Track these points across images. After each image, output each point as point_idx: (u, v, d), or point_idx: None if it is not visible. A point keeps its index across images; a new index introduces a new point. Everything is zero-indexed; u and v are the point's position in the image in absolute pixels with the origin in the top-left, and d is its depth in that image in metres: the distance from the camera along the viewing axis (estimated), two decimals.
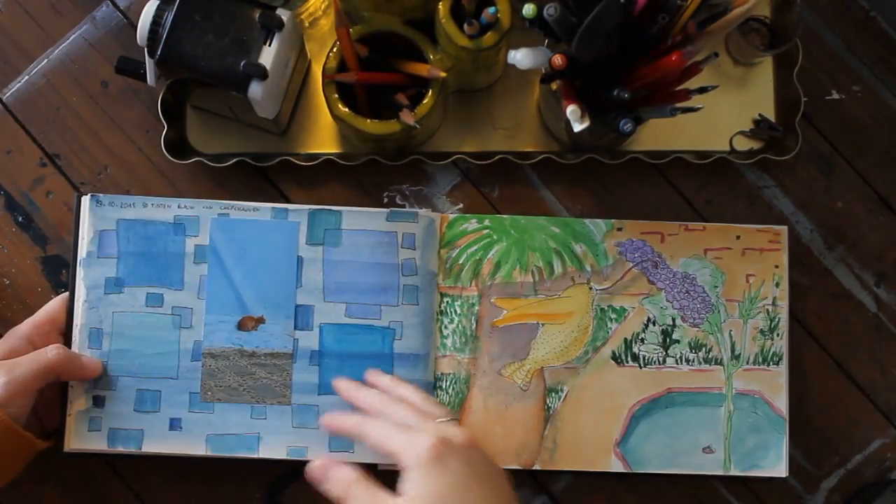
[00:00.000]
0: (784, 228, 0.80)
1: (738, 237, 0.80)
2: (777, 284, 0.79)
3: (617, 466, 0.77)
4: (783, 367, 0.79)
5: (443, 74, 0.75)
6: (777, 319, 0.79)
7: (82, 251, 0.76)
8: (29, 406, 0.70)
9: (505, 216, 0.80)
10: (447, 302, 0.78)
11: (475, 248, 0.79)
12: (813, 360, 0.81)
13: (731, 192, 0.82)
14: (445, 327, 0.78)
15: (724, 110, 0.83)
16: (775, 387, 0.78)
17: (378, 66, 0.78)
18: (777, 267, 0.80)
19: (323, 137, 0.83)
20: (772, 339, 0.79)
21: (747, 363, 0.79)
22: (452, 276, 0.79)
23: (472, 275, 0.79)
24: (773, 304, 0.79)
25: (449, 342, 0.78)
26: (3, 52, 0.84)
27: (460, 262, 0.79)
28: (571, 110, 0.69)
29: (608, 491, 0.79)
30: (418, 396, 0.70)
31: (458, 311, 0.78)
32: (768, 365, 0.78)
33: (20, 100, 0.82)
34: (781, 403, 0.78)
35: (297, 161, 0.80)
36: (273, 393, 0.75)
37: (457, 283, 0.79)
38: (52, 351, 0.71)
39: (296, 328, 0.76)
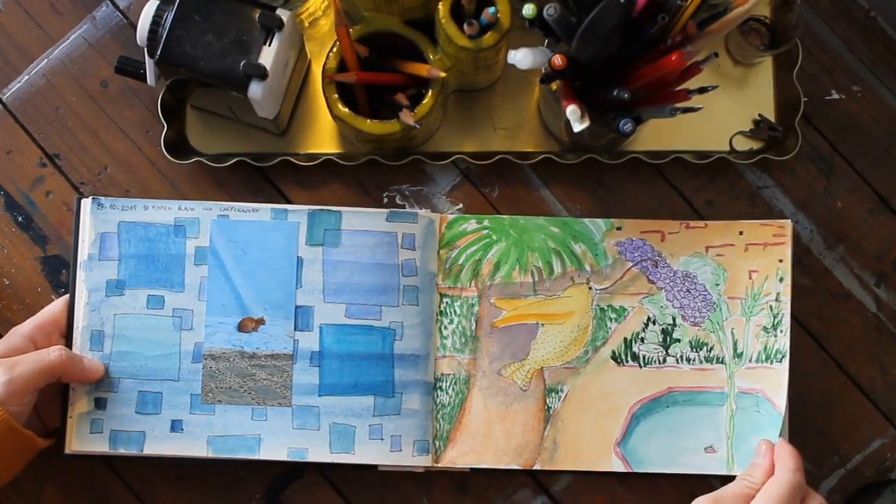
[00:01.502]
0: (788, 222, 0.79)
1: (740, 233, 0.79)
2: (781, 279, 0.79)
3: (618, 466, 0.77)
4: (786, 364, 0.78)
5: (443, 74, 0.75)
6: (780, 316, 0.79)
7: (83, 253, 0.76)
8: (30, 405, 0.70)
9: (504, 216, 0.80)
10: (447, 302, 0.78)
11: (474, 248, 0.79)
12: (813, 360, 0.81)
13: (731, 193, 0.82)
14: (445, 328, 0.78)
15: (724, 110, 0.83)
16: (778, 385, 0.77)
17: (378, 66, 0.78)
18: (781, 261, 0.79)
19: (323, 137, 0.83)
20: (775, 335, 0.78)
21: (750, 361, 0.78)
22: (452, 276, 0.79)
23: (471, 275, 0.79)
24: (777, 299, 0.79)
25: (449, 343, 0.78)
26: (3, 52, 0.84)
27: (460, 262, 0.79)
28: (571, 110, 0.69)
29: (608, 491, 0.79)
30: None
31: (458, 311, 0.78)
32: (771, 362, 0.78)
33: (20, 100, 0.82)
34: (783, 401, 0.77)
35: (297, 161, 0.80)
36: (273, 394, 0.75)
37: (456, 283, 0.79)
38: (54, 352, 0.71)
39: (296, 329, 0.76)
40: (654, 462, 0.78)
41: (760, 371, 0.78)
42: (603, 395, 0.78)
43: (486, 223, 0.79)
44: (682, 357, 0.79)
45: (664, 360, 0.79)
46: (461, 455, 0.77)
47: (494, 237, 0.79)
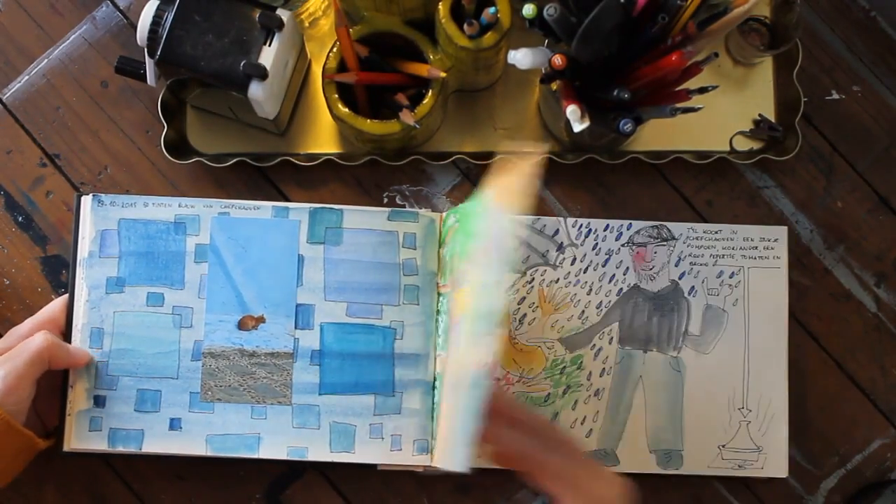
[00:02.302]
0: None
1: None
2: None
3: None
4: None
5: (443, 74, 0.75)
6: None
7: (83, 251, 0.76)
8: (28, 401, 0.70)
9: (461, 205, 0.77)
10: (445, 301, 0.78)
11: (451, 244, 0.78)
12: (813, 360, 0.81)
13: (731, 193, 0.82)
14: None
15: (724, 110, 0.83)
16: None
17: (378, 66, 0.78)
18: None
19: (323, 137, 0.83)
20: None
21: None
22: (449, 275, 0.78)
23: (448, 272, 0.78)
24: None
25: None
26: (3, 52, 0.84)
27: (447, 259, 0.78)
28: (571, 110, 0.69)
29: None
30: None
31: None
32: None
33: (20, 100, 0.82)
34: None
35: (297, 161, 0.80)
36: (273, 393, 0.75)
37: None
38: (38, 337, 0.70)
39: (296, 327, 0.76)
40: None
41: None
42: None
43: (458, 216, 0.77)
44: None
45: None
46: None
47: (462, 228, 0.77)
